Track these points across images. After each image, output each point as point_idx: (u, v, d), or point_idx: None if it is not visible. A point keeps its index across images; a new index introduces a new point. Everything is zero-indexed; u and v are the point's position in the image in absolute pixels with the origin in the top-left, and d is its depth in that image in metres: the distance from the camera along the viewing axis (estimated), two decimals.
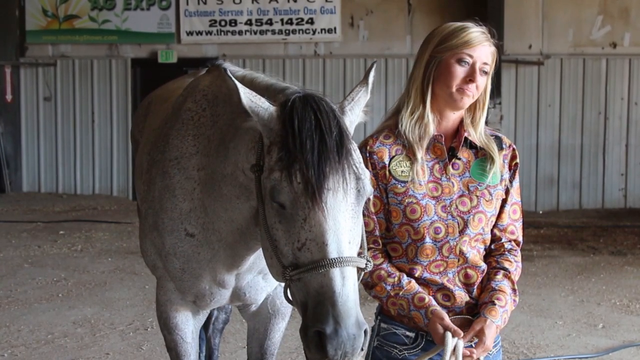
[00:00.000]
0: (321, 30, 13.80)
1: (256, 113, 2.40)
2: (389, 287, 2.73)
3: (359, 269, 2.34)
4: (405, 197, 2.73)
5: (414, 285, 2.72)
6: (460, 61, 2.72)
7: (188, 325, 3.32)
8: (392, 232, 2.79)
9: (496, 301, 2.72)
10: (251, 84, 2.80)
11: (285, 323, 3.54)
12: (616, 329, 6.52)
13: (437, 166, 2.78)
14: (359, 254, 2.37)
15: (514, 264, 2.83)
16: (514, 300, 2.80)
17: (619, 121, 13.59)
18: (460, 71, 2.72)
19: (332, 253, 2.23)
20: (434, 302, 2.70)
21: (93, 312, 6.86)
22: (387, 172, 2.75)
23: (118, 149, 14.17)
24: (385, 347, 2.82)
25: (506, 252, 2.84)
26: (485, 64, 2.74)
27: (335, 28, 13.79)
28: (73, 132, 14.26)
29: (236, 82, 2.40)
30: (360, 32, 13.87)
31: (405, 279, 2.73)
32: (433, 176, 2.76)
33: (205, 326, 4.78)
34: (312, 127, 2.33)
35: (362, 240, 2.41)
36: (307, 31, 13.81)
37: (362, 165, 2.40)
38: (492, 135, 2.87)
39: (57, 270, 8.40)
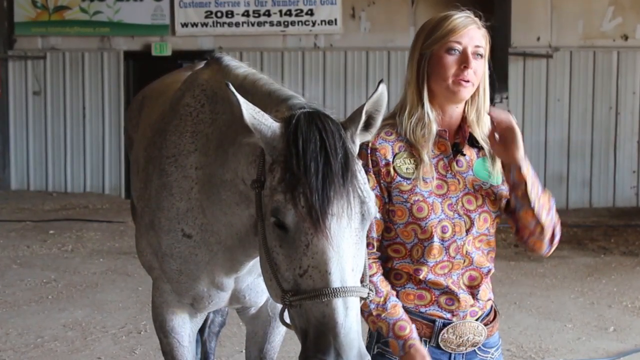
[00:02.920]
0: (321, 21, 13.79)
1: (259, 131, 2.37)
2: (372, 306, 2.70)
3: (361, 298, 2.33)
4: (411, 195, 2.71)
5: (399, 310, 2.70)
6: (449, 51, 2.70)
7: (185, 328, 3.32)
8: (394, 232, 2.77)
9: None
10: (253, 86, 2.80)
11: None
12: (628, 332, 6.53)
13: (441, 163, 2.77)
14: (362, 280, 2.37)
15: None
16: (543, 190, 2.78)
17: (630, 116, 13.59)
18: (452, 61, 2.69)
19: (335, 282, 2.22)
20: (414, 335, 2.68)
21: (84, 314, 6.86)
22: (392, 169, 2.73)
23: (110, 146, 14.17)
24: (387, 355, 2.80)
25: None
26: (478, 46, 2.71)
27: (335, 20, 13.78)
28: (63, 128, 14.25)
29: (239, 97, 2.36)
30: (361, 23, 13.86)
31: (391, 300, 2.70)
32: (438, 173, 2.75)
33: (201, 329, 4.78)
34: (316, 148, 2.31)
35: (364, 266, 2.40)
36: (307, 23, 13.80)
37: (367, 186, 2.38)
38: None
39: (47, 271, 8.40)
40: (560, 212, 2.96)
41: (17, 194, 13.97)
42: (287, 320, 2.38)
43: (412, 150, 2.75)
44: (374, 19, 13.83)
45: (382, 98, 2.48)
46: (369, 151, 2.72)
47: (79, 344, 6.13)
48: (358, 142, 2.48)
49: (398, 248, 2.78)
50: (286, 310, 2.36)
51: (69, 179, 14.29)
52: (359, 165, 2.39)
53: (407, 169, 2.73)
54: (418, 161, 2.73)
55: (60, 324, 6.59)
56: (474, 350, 2.77)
